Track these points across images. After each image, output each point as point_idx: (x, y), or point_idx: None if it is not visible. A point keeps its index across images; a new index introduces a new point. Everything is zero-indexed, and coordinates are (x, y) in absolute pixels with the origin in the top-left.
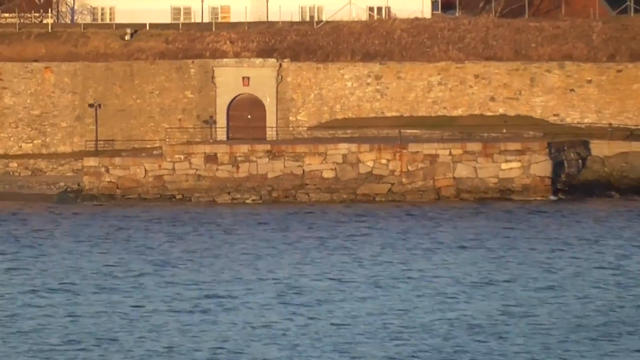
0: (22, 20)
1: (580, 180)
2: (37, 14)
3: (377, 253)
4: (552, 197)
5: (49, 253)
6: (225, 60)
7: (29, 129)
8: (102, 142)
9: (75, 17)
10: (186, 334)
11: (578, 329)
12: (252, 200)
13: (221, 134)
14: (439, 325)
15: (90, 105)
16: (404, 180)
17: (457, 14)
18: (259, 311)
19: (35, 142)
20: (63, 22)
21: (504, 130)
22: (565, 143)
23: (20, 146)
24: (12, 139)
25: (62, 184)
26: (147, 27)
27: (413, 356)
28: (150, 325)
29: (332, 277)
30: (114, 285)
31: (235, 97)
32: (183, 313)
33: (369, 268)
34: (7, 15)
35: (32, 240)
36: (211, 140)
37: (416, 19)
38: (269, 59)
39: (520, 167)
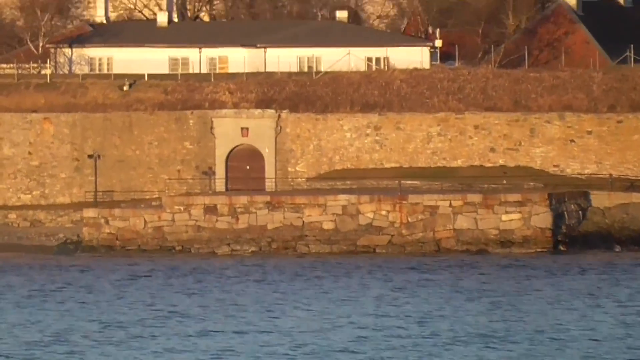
0: (20, 71)
1: (580, 232)
2: (35, 65)
3: None
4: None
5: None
6: (224, 111)
7: (28, 180)
8: (101, 193)
9: (73, 68)
10: None
11: None
12: (252, 251)
13: (220, 185)
14: None
15: (90, 156)
16: (404, 231)
17: (456, 65)
18: None
19: (34, 193)
20: (61, 72)
21: (504, 182)
22: (565, 194)
23: (19, 197)
24: (10, 190)
25: (61, 235)
26: (146, 78)
27: None
28: None
29: None
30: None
31: (234, 147)
32: None
33: None
34: (5, 65)
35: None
36: (210, 192)
37: (415, 69)
38: (268, 110)
39: (521, 218)
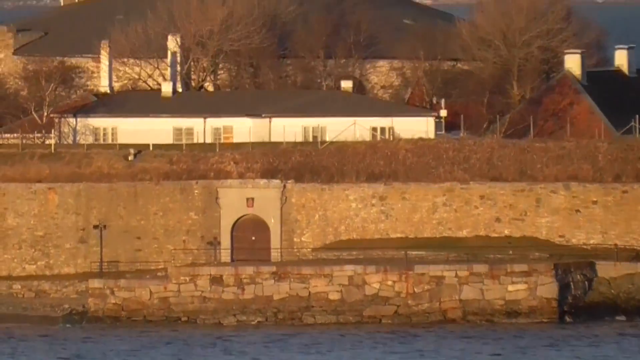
0: (24, 141)
1: (586, 302)
2: (39, 135)
3: None
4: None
5: None
6: (229, 181)
7: (33, 250)
8: (106, 264)
9: (78, 138)
10: None
11: None
12: (258, 322)
13: (225, 256)
14: None
15: (95, 227)
16: (410, 302)
17: (461, 135)
18: None
19: (38, 263)
20: (65, 142)
21: (510, 252)
22: (571, 265)
23: (24, 267)
24: (15, 260)
25: (66, 305)
26: (151, 148)
27: None
28: None
29: None
30: None
31: (240, 218)
32: None
33: None
34: (9, 135)
35: None
36: (216, 262)
37: (421, 139)
38: (273, 180)
39: (527, 289)
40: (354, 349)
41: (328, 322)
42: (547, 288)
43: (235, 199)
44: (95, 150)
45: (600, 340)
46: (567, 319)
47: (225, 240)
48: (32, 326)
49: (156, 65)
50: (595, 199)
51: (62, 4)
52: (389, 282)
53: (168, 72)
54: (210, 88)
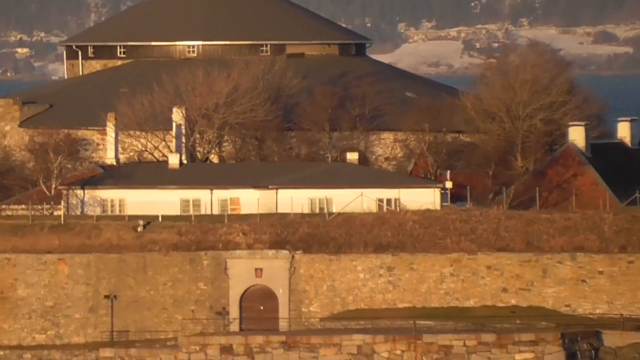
0: (33, 212)
1: None
2: (47, 206)
3: None
4: None
5: None
6: (238, 252)
7: (43, 320)
8: (116, 333)
9: (85, 209)
10: None
11: None
12: None
13: (234, 325)
14: None
15: (106, 297)
16: None
17: (467, 206)
18: None
19: (48, 333)
20: (73, 214)
21: (518, 321)
22: (578, 334)
23: (34, 337)
24: (25, 330)
25: None
26: (160, 219)
27: None
28: None
29: None
30: None
31: (248, 288)
32: None
33: None
34: (17, 207)
35: None
36: (225, 332)
37: (427, 210)
38: (282, 251)
39: (534, 357)
40: None
41: None
42: (555, 357)
43: (244, 269)
44: (104, 222)
45: None
46: None
47: (234, 310)
48: None
49: (162, 138)
50: (601, 269)
51: (66, 76)
52: (398, 352)
53: (173, 144)
54: (216, 160)
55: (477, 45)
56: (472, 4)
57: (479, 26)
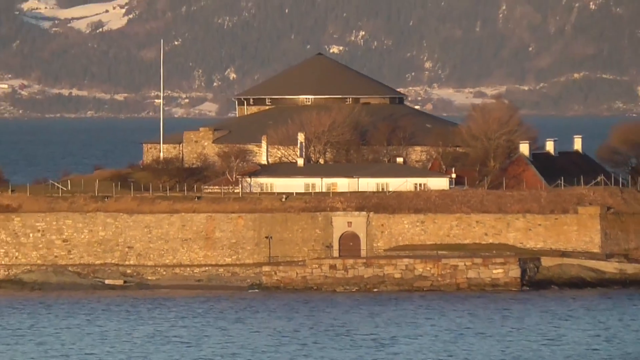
0: (223, 190)
1: (536, 279)
2: (231, 187)
3: None
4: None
5: None
6: (337, 212)
7: (230, 250)
8: (271, 258)
9: (252, 189)
10: None
11: None
12: (355, 290)
13: (335, 253)
14: None
15: (266, 237)
16: (439, 279)
17: (464, 188)
18: None
19: (233, 257)
20: (246, 192)
21: (494, 251)
22: (527, 259)
23: (225, 259)
24: (219, 256)
25: (248, 280)
26: (294, 194)
27: None
28: None
29: None
30: None
31: (343, 233)
32: None
33: None
34: (214, 187)
35: None
36: (331, 257)
37: (442, 190)
38: (362, 212)
39: (503, 271)
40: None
41: (393, 290)
42: (514, 272)
43: (341, 222)
44: (263, 196)
45: (543, 297)
46: (525, 288)
47: (335, 245)
48: (230, 292)
49: (293, 149)
50: (539, 223)
51: (237, 115)
52: (428, 268)
53: (298, 153)
54: (322, 161)
55: (410, 98)
56: (406, 75)
57: (410, 88)
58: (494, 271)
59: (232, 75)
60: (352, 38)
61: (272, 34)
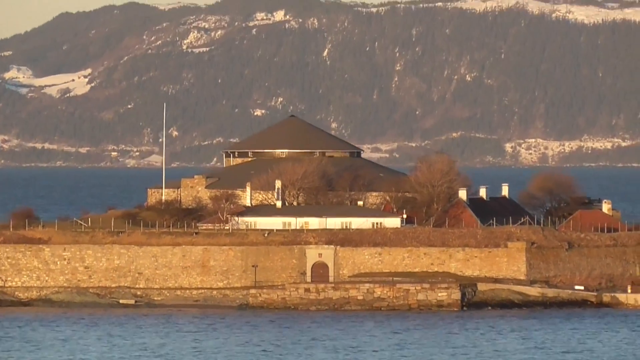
0: (216, 227)
1: (473, 301)
2: (222, 224)
3: None
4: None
5: None
6: (311, 246)
7: (221, 276)
8: (256, 282)
9: (240, 226)
10: None
11: None
12: (325, 309)
13: (308, 279)
14: None
15: (253, 266)
16: (394, 300)
17: (414, 226)
18: None
19: (223, 282)
20: (234, 228)
21: (439, 278)
22: (466, 284)
23: (216, 284)
24: (210, 281)
25: (237, 301)
26: (275, 230)
27: None
28: None
29: None
30: None
31: (315, 262)
32: None
33: None
34: (207, 225)
35: None
36: (305, 282)
37: (396, 228)
38: (330, 245)
39: (447, 294)
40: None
41: (357, 309)
42: (455, 295)
43: (313, 254)
44: (249, 232)
45: (478, 316)
46: (465, 309)
47: (308, 272)
48: (222, 311)
49: (272, 194)
50: (476, 255)
51: (224, 166)
52: (385, 291)
53: (276, 196)
54: (296, 204)
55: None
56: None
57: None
58: (439, 294)
59: (175, 133)
60: (273, 103)
61: (208, 100)
